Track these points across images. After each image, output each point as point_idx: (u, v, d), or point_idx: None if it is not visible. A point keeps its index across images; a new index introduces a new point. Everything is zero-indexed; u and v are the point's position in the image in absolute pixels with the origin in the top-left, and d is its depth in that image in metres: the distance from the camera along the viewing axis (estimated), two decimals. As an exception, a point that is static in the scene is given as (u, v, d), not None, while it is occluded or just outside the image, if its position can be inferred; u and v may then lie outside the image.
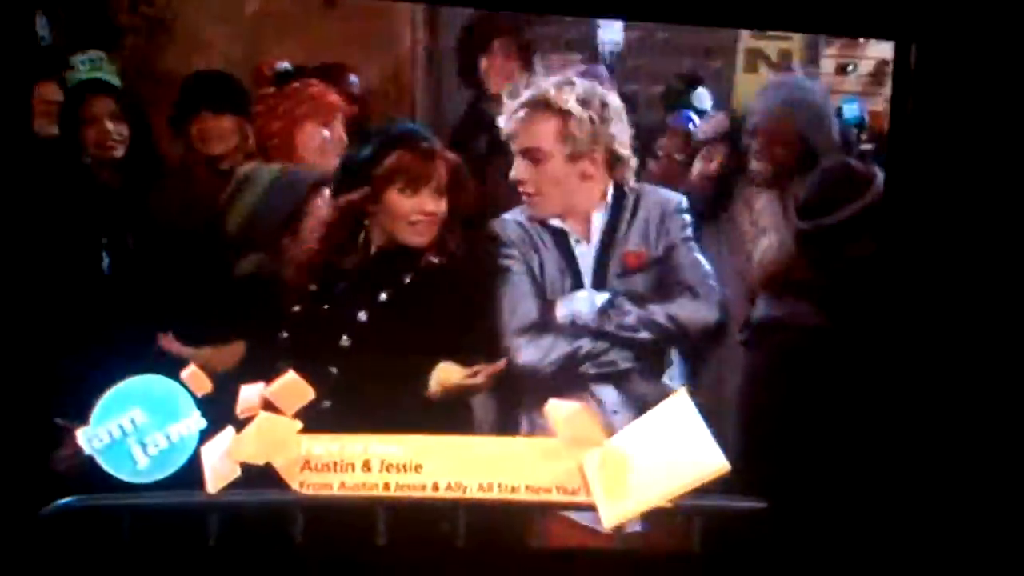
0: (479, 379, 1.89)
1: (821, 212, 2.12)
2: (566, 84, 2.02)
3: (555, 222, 2.05)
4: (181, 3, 2.25)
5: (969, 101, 1.88)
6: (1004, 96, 1.87)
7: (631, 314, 1.99)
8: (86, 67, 2.09)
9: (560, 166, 2.01)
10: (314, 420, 1.80)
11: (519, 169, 2.02)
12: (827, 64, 2.48)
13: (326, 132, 2.20)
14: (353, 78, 2.33)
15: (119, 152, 2.11)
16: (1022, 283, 1.90)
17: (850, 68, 2.46)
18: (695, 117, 2.41)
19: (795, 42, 2.47)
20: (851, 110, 2.39)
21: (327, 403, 1.88)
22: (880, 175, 2.09)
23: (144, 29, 2.28)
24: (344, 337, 1.93)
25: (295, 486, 1.73)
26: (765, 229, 2.22)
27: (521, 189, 2.04)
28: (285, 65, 2.25)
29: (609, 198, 2.06)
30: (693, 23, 2.15)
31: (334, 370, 1.91)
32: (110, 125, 2.09)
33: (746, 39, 2.46)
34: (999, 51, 1.86)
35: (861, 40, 2.38)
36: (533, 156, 2.01)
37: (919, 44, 1.88)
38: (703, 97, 2.39)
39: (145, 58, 2.27)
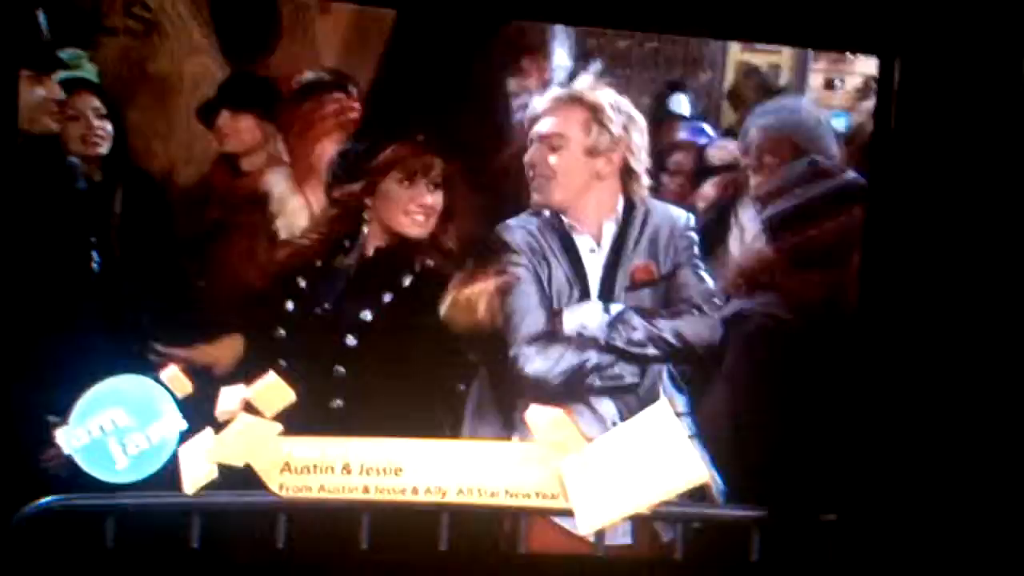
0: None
1: (777, 198, 2.14)
2: (599, 86, 2.04)
3: (566, 221, 2.04)
4: (175, 6, 2.26)
5: (953, 116, 1.89)
6: (988, 112, 1.89)
7: (639, 329, 1.98)
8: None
9: (577, 157, 2.02)
10: (326, 420, 1.83)
11: (534, 154, 2.03)
12: (815, 79, 2.50)
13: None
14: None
15: (103, 149, 2.11)
16: (1002, 292, 1.91)
17: (837, 83, 2.48)
18: (708, 130, 2.42)
19: (784, 56, 2.49)
20: (838, 124, 2.41)
21: (338, 402, 1.91)
22: (849, 174, 2.12)
23: (137, 31, 2.29)
24: (349, 336, 1.94)
25: (275, 488, 1.72)
26: (750, 240, 2.23)
27: (532, 173, 2.04)
28: (309, 76, 2.26)
29: (620, 210, 2.07)
30: (681, 34, 2.17)
31: (341, 369, 1.92)
32: (95, 121, 2.09)
33: (735, 52, 2.48)
34: (983, 67, 1.87)
35: (848, 55, 2.41)
36: (552, 143, 2.02)
37: (903, 59, 1.90)
38: (680, 102, 2.41)
39: (137, 59, 2.28)
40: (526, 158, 2.04)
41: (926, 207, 1.90)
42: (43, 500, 1.73)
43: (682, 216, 2.10)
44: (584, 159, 2.02)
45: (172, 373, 1.75)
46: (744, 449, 1.92)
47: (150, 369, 1.77)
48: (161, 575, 1.82)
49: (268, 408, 1.71)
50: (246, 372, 1.81)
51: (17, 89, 1.75)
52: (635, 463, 1.66)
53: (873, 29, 1.90)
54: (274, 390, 1.71)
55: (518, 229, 2.05)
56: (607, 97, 2.03)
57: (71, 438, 1.71)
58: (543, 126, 2.03)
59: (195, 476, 1.70)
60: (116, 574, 1.78)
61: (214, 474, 1.71)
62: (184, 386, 1.74)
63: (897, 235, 1.91)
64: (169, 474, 1.73)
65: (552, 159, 2.02)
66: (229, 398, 1.72)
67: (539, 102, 2.05)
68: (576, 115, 2.02)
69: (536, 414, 1.72)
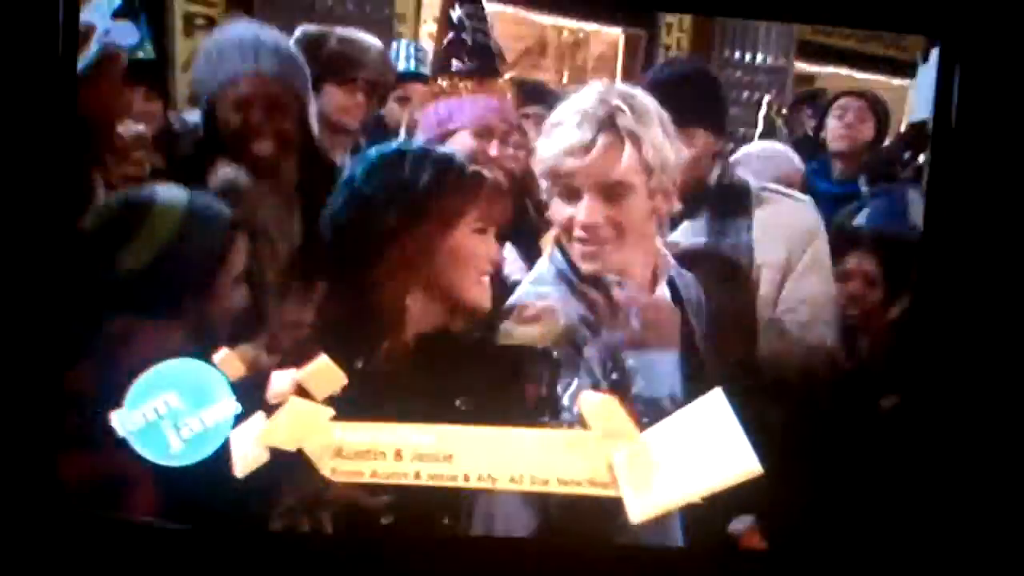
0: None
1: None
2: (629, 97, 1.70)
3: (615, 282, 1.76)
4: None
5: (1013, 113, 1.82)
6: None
7: None
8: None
9: (643, 202, 1.71)
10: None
11: (591, 211, 1.70)
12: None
13: None
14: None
15: None
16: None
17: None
18: None
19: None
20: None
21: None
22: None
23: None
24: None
25: (326, 473, 1.73)
26: None
27: (584, 235, 1.73)
28: None
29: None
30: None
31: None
32: None
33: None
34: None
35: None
36: (613, 192, 1.69)
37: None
38: None
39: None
40: (581, 218, 1.71)
41: (988, 205, 1.84)
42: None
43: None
44: (648, 202, 1.72)
45: (225, 356, 1.75)
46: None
47: (202, 353, 1.77)
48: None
49: (319, 391, 1.71)
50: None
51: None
52: (687, 452, 1.64)
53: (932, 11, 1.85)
54: (325, 373, 1.71)
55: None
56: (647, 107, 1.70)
57: (126, 421, 1.72)
58: (589, 173, 1.68)
59: (246, 459, 1.71)
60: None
61: (265, 457, 1.71)
62: (237, 369, 1.75)
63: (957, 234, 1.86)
64: (223, 457, 1.74)
65: (616, 216, 1.71)
66: (281, 381, 1.73)
67: (562, 132, 1.69)
68: (623, 147, 1.67)
69: (587, 399, 1.70)
